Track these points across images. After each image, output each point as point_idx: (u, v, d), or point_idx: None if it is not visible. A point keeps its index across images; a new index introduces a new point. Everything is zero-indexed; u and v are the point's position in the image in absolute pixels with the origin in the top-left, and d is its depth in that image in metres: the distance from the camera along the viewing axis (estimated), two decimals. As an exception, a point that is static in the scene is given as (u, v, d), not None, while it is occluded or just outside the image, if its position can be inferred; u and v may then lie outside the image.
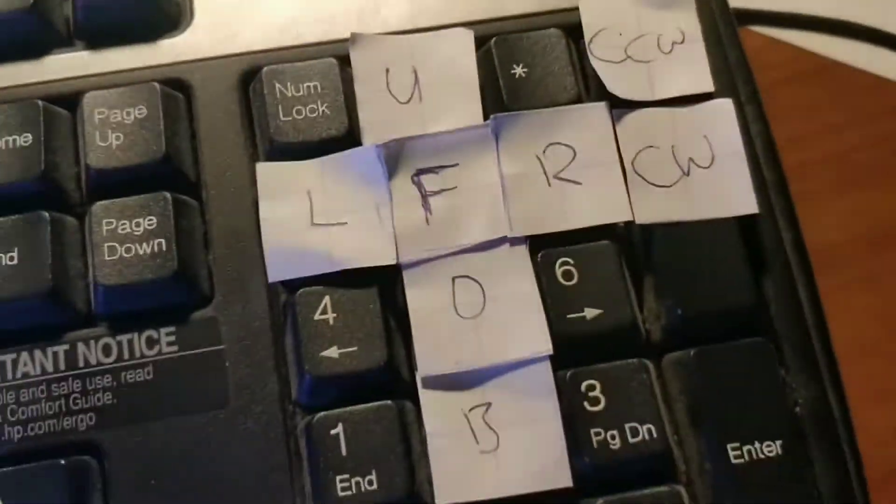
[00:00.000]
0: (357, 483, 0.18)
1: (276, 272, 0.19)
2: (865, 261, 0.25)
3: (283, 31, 0.21)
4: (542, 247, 0.19)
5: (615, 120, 0.20)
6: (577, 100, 0.21)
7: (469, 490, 0.18)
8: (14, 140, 0.20)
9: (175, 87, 0.21)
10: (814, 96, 0.30)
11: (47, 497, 0.18)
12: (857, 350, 0.23)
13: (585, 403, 0.18)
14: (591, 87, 0.21)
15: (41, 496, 0.18)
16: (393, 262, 0.19)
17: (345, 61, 0.21)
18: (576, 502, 0.18)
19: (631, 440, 0.18)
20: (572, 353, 0.19)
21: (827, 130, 0.28)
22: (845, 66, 0.30)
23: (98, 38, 0.21)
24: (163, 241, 0.19)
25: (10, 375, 0.19)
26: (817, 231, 0.22)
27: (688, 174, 0.20)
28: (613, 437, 0.18)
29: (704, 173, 0.20)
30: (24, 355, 0.19)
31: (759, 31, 0.32)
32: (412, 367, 0.19)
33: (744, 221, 0.20)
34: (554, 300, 0.19)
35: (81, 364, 0.19)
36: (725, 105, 0.21)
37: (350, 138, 0.20)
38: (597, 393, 0.19)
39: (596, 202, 0.20)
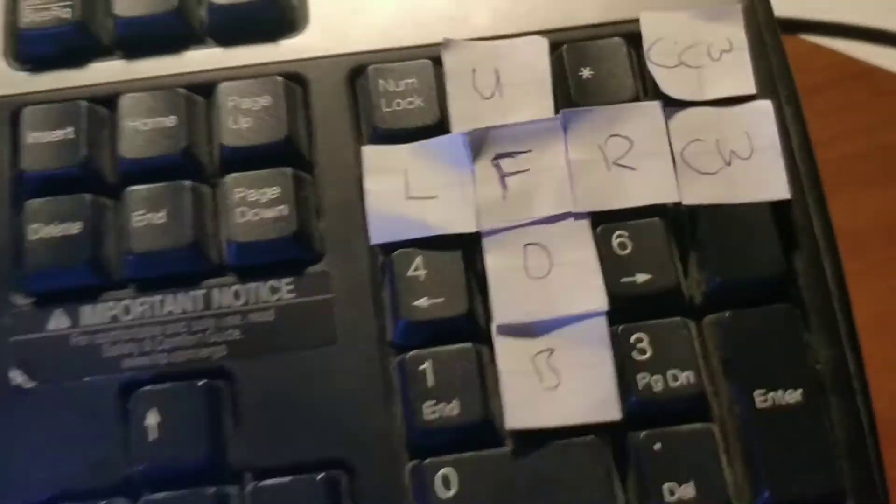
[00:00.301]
0: (441, 408, 0.22)
1: (377, 236, 0.23)
2: (889, 248, 0.28)
3: (385, 35, 0.25)
4: (601, 221, 0.23)
5: (667, 116, 0.24)
6: (635, 99, 0.24)
7: (533, 418, 0.21)
8: (162, 121, 0.24)
9: (294, 81, 0.25)
10: (853, 98, 0.33)
11: (190, 410, 0.22)
12: (876, 325, 0.25)
13: (634, 353, 0.22)
14: (647, 88, 0.25)
15: (185, 409, 0.22)
16: (474, 230, 0.23)
17: (437, 62, 0.25)
18: (623, 433, 0.22)
19: (672, 384, 0.22)
20: (624, 310, 0.22)
21: (864, 129, 0.31)
22: (884, 70, 0.33)
23: (228, 38, 0.25)
24: (285, 207, 0.23)
25: (158, 313, 0.23)
26: (847, 218, 0.25)
27: (729, 164, 0.24)
28: (657, 381, 0.22)
29: (744, 164, 0.24)
30: (170, 297, 0.23)
31: (806, 39, 0.35)
32: (488, 318, 0.22)
33: (778, 206, 0.24)
34: (610, 266, 0.23)
35: (215, 306, 0.23)
36: (765, 105, 0.24)
37: (440, 127, 0.24)
38: (644, 345, 0.22)
39: (648, 185, 0.23)
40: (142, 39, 0.25)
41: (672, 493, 0.21)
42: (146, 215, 0.23)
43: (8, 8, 0.26)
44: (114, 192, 0.24)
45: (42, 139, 0.24)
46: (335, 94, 0.25)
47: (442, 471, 0.21)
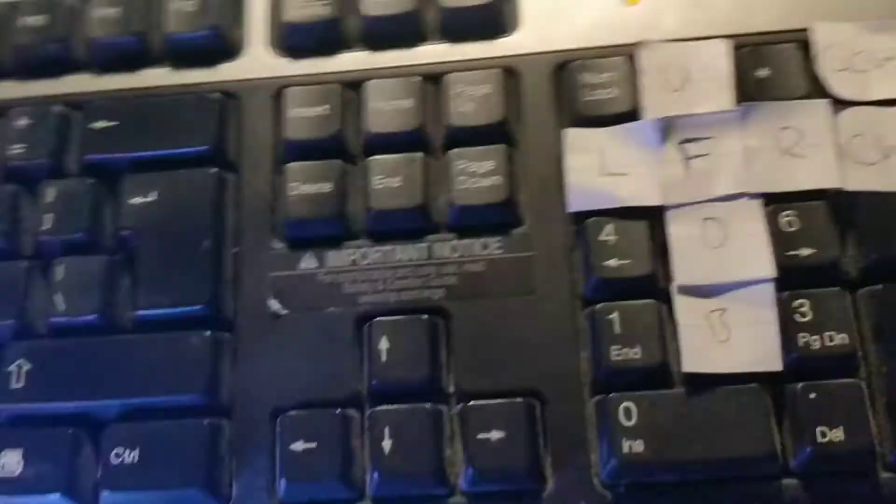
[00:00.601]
0: (625, 352, 0.26)
1: (575, 205, 0.27)
2: None
3: (586, 36, 0.29)
4: (772, 202, 0.27)
5: (835, 113, 0.27)
6: (806, 97, 0.28)
7: (706, 364, 0.25)
8: (400, 104, 0.29)
9: (508, 74, 0.29)
10: None
11: (414, 340, 0.27)
12: None
13: (796, 316, 0.25)
14: (817, 88, 0.28)
15: (410, 338, 0.27)
16: (660, 204, 0.27)
17: (631, 59, 0.29)
18: (782, 383, 0.25)
19: (828, 344, 0.25)
20: (789, 279, 0.26)
21: None
22: None
23: (454, 35, 0.30)
24: (498, 178, 0.28)
25: (389, 260, 0.28)
26: None
27: (887, 157, 0.27)
28: (815, 341, 0.25)
29: (902, 158, 0.27)
30: (399, 247, 0.28)
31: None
32: (667, 279, 0.26)
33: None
34: (778, 240, 0.26)
35: (436, 256, 0.28)
36: (924, 108, 0.27)
37: (632, 115, 0.28)
38: (805, 309, 0.25)
39: (815, 172, 0.26)
40: (383, 35, 0.30)
41: (824, 435, 0.24)
42: (384, 180, 0.28)
43: (273, 4, 0.31)
44: (357, 160, 0.29)
45: (302, 114, 0.29)
46: (542, 85, 0.29)
47: (625, 403, 0.25)
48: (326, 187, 0.28)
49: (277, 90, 0.30)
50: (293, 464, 0.26)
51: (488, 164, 0.28)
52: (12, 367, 0.27)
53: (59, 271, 0.28)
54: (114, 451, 0.26)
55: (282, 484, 0.26)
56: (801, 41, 0.28)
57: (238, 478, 0.26)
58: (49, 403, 0.27)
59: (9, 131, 0.30)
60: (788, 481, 0.25)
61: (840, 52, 0.28)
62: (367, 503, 0.26)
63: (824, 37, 0.28)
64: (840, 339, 0.25)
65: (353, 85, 0.30)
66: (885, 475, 0.25)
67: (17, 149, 0.30)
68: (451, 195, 0.28)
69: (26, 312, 0.28)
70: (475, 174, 0.28)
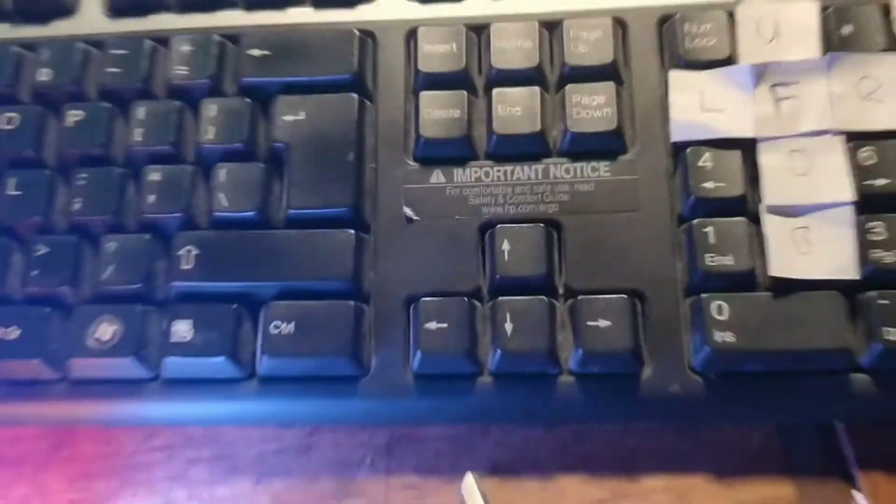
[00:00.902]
0: (719, 259, 0.29)
1: (677, 136, 0.31)
2: None
3: (688, -7, 0.33)
4: (852, 139, 0.30)
5: (909, 66, 0.31)
6: (884, 51, 0.31)
7: (791, 271, 0.29)
8: (523, 44, 0.33)
9: (617, 23, 0.33)
10: None
11: (531, 244, 0.30)
12: None
13: (871, 235, 0.29)
14: (894, 44, 0.32)
15: (528, 242, 0.30)
16: (752, 136, 0.30)
17: (728, 14, 0.32)
18: (857, 291, 0.29)
19: (899, 259, 0.29)
20: (866, 205, 0.29)
21: None
22: None
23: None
24: (608, 109, 0.32)
25: (509, 178, 0.32)
26: None
27: None
28: (888, 256, 0.29)
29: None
30: (518, 168, 0.32)
31: None
32: (756, 201, 0.30)
33: None
34: (856, 171, 0.30)
35: (551, 176, 0.32)
36: None
37: (729, 61, 0.32)
38: (880, 229, 0.29)
39: (891, 115, 0.30)
40: (506, -15, 0.34)
41: (890, 335, 0.28)
42: (507, 109, 0.32)
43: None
44: (480, 93, 0.33)
45: (433, 51, 0.33)
46: (647, 34, 0.33)
47: (717, 301, 0.29)
48: (455, 113, 0.32)
49: (410, 30, 0.34)
50: (427, 340, 0.30)
51: (599, 99, 0.32)
52: (182, 252, 0.31)
53: (221, 174, 0.32)
54: (272, 324, 0.30)
55: (417, 357, 0.30)
56: (882, 4, 0.32)
57: (377, 353, 0.31)
58: (214, 283, 0.31)
59: (172, 56, 0.34)
60: (858, 376, 0.29)
61: (915, 13, 0.32)
62: (487, 378, 0.30)
63: (901, 0, 0.32)
64: (910, 255, 0.29)
65: (478, 28, 0.34)
66: (943, 376, 0.29)
67: (180, 70, 0.34)
68: (566, 123, 0.32)
69: (192, 207, 0.32)
70: (588, 106, 0.32)
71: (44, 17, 0.36)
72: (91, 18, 0.36)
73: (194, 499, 0.31)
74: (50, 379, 0.31)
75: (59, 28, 0.36)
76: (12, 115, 0.34)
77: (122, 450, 0.32)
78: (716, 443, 0.31)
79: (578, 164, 0.32)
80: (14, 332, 0.31)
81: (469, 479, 0.31)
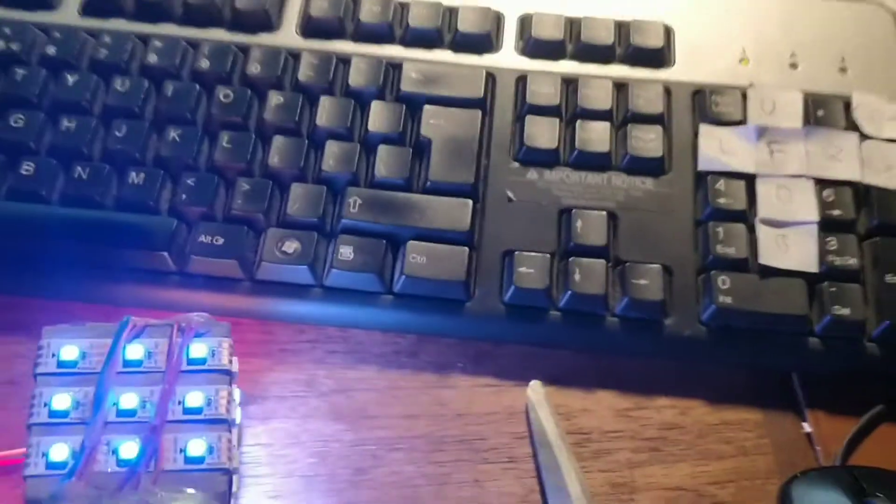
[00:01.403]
0: (725, 249, 0.42)
1: (702, 166, 0.45)
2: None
3: (714, 76, 0.48)
4: (819, 183, 0.44)
5: (861, 141, 0.45)
6: (846, 129, 0.46)
7: (773, 261, 0.42)
8: (599, 94, 0.47)
9: (665, 90, 0.47)
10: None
11: (598, 224, 0.43)
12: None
13: (827, 245, 0.43)
14: (852, 126, 0.46)
15: (595, 224, 0.43)
16: (753, 172, 0.44)
17: (743, 92, 0.47)
18: (816, 280, 0.42)
19: (844, 263, 0.42)
20: (826, 224, 0.43)
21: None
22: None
23: (634, 62, 0.48)
24: (656, 143, 0.45)
25: (584, 181, 0.45)
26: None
27: (890, 169, 0.44)
28: (837, 260, 0.42)
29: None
30: (590, 174, 0.45)
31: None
32: (754, 215, 0.43)
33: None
34: (821, 203, 0.43)
35: (612, 184, 0.45)
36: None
37: (741, 122, 0.46)
38: (834, 243, 0.42)
39: (847, 170, 0.44)
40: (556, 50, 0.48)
41: (838, 311, 0.41)
42: (585, 134, 0.46)
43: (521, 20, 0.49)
44: (568, 123, 0.47)
45: (537, 90, 0.47)
46: (686, 98, 0.47)
47: (721, 276, 0.42)
48: (549, 132, 0.46)
49: (519, 76, 0.48)
50: (518, 280, 0.42)
51: (651, 136, 0.46)
52: (350, 200, 0.44)
53: (381, 151, 0.45)
54: (410, 255, 0.43)
55: (510, 291, 0.42)
56: (845, 100, 0.47)
57: (479, 286, 0.43)
58: (371, 223, 0.43)
59: (351, 70, 0.48)
60: (813, 339, 0.42)
61: (867, 109, 0.46)
62: (556, 313, 0.42)
63: (858, 99, 0.46)
64: (852, 262, 0.42)
65: (567, 80, 0.48)
66: (869, 345, 0.42)
67: (356, 80, 0.47)
68: (627, 148, 0.45)
69: (358, 171, 0.45)
70: (643, 139, 0.46)
71: (251, 30, 0.49)
72: (289, 37, 0.49)
73: (331, 378, 0.43)
74: (239, 278, 0.43)
75: (265, 39, 0.49)
76: (228, 92, 0.46)
77: (277, 339, 0.44)
78: (710, 378, 0.43)
79: (632, 178, 0.45)
80: (219, 240, 0.43)
81: (535, 384, 0.42)
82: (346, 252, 0.43)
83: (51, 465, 0.32)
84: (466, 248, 0.43)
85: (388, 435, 0.42)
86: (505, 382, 0.43)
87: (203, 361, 0.34)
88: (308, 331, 0.44)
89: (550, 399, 0.42)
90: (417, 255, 0.43)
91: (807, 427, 0.42)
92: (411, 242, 0.43)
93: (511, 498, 0.40)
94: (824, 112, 0.47)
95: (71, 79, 0.46)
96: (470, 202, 0.44)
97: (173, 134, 0.45)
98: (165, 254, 0.42)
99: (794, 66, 0.49)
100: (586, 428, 0.42)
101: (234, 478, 0.34)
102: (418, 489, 0.40)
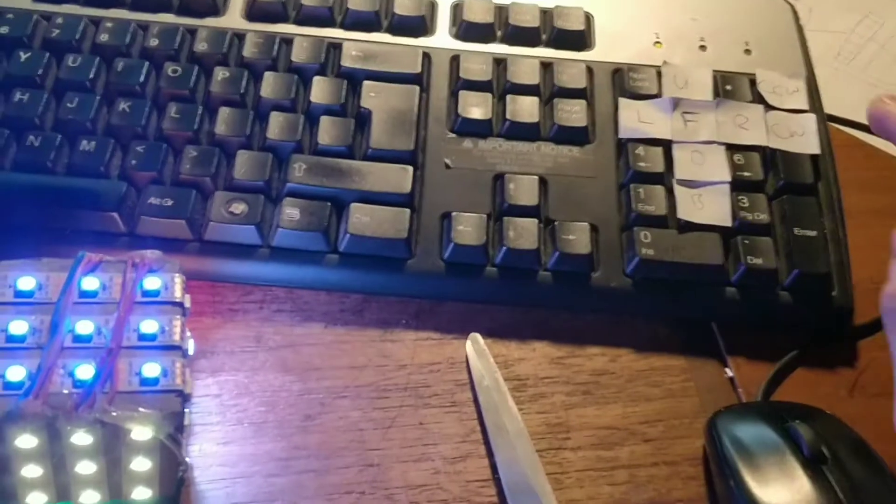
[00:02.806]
0: (645, 207, 0.46)
1: (623, 134, 0.49)
2: None
3: (632, 56, 0.51)
4: (730, 148, 0.48)
5: (766, 111, 0.49)
6: (751, 101, 0.50)
7: (690, 216, 0.45)
8: (527, 71, 0.50)
9: (588, 68, 0.51)
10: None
11: (530, 188, 0.46)
12: None
13: (739, 203, 0.46)
14: (757, 98, 0.50)
15: (527, 187, 0.46)
16: (669, 138, 0.48)
17: (658, 70, 0.51)
18: (730, 234, 0.45)
19: (755, 218, 0.46)
20: (737, 184, 0.47)
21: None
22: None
23: (558, 45, 0.52)
24: (581, 115, 0.48)
25: (515, 150, 0.48)
26: None
27: (792, 136, 0.48)
28: (748, 216, 0.46)
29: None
30: (521, 144, 0.48)
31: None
32: (671, 177, 0.47)
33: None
34: (731, 165, 0.47)
35: (541, 152, 0.48)
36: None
37: (657, 95, 0.50)
38: (745, 200, 0.46)
39: (754, 136, 0.48)
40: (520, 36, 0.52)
41: (752, 261, 0.45)
42: (515, 107, 0.49)
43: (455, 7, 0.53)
44: (499, 96, 0.50)
45: (470, 67, 0.50)
46: (606, 76, 0.51)
47: (643, 231, 0.45)
48: (482, 104, 0.49)
49: (453, 56, 0.51)
50: (456, 237, 0.45)
51: (576, 108, 0.49)
52: (295, 165, 0.46)
53: (324, 121, 0.48)
54: (354, 215, 0.45)
55: (449, 248, 0.45)
56: (750, 77, 0.51)
57: (419, 245, 0.45)
58: (314, 187, 0.45)
59: (294, 49, 0.50)
60: (730, 289, 0.45)
61: (770, 84, 0.50)
62: (492, 269, 0.45)
63: (762, 76, 0.51)
64: (762, 217, 0.46)
65: (497, 60, 0.51)
66: (782, 293, 0.45)
67: (298, 57, 0.50)
68: (554, 119, 0.49)
69: (302, 140, 0.47)
70: (569, 111, 0.49)
71: (198, 15, 0.51)
72: (235, 21, 0.51)
73: (279, 334, 0.44)
74: (187, 238, 0.45)
75: (211, 22, 0.51)
76: (177, 68, 0.49)
77: (225, 300, 0.45)
78: (637, 328, 0.46)
79: (559, 146, 0.49)
80: (168, 202, 0.45)
81: (474, 335, 0.45)
82: (291, 213, 0.45)
83: (7, 386, 0.32)
84: (408, 210, 0.46)
85: (334, 384, 0.43)
86: (446, 336, 0.45)
87: (157, 293, 0.36)
88: (255, 292, 0.46)
89: (490, 349, 0.45)
90: (361, 216, 0.45)
91: (729, 372, 0.45)
92: (355, 204, 0.46)
93: (454, 438, 0.42)
94: (731, 87, 0.51)
95: (24, 55, 0.48)
96: (410, 168, 0.47)
97: (123, 105, 0.47)
98: (115, 215, 0.44)
99: (703, 48, 0.53)
100: (523, 375, 0.44)
101: (187, 412, 0.36)
102: (365, 432, 0.42)
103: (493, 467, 0.41)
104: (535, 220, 0.46)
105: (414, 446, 0.42)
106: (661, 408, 0.44)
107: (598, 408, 0.44)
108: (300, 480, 0.40)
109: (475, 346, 0.45)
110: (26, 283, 0.35)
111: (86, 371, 0.33)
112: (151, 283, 0.36)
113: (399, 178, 0.47)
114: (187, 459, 0.37)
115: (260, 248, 0.45)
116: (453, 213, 0.46)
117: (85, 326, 0.34)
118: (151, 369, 0.34)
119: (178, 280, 0.36)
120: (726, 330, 0.47)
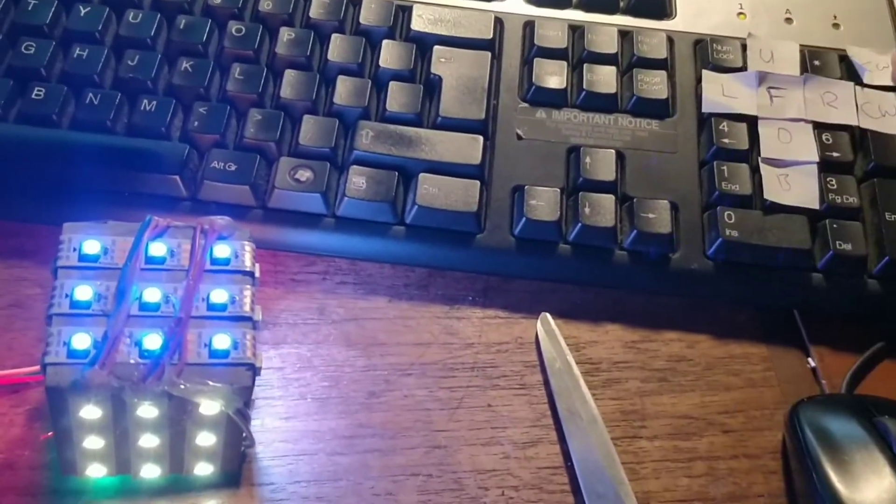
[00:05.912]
0: (730, 186, 0.43)
1: (706, 108, 0.46)
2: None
3: (715, 28, 0.49)
4: (817, 127, 0.46)
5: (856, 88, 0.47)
6: (840, 78, 0.47)
7: (777, 197, 0.43)
8: (606, 39, 0.48)
9: (668, 38, 0.48)
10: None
11: (607, 161, 0.44)
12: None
13: (828, 185, 0.44)
14: (848, 75, 0.47)
15: (603, 161, 0.44)
16: (755, 115, 0.46)
17: (743, 43, 0.48)
18: (817, 217, 0.43)
19: (844, 201, 0.43)
20: (825, 166, 0.45)
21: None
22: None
23: (638, 13, 0.50)
24: (662, 87, 0.46)
25: (591, 122, 0.46)
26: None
27: (884, 115, 0.46)
28: (837, 198, 0.43)
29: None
30: (597, 115, 0.46)
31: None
32: (757, 155, 0.45)
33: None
34: (819, 145, 0.45)
35: (619, 125, 0.46)
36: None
37: (742, 69, 0.47)
38: (834, 182, 0.44)
39: (844, 115, 0.46)
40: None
41: (840, 246, 0.42)
42: (592, 76, 0.47)
43: (525, -22, 0.50)
44: (576, 65, 0.47)
45: (545, 34, 0.48)
46: (688, 47, 0.48)
47: (727, 210, 0.43)
48: (557, 73, 0.47)
49: (526, 22, 0.49)
50: (529, 212, 0.43)
51: (656, 80, 0.47)
52: (362, 132, 0.44)
53: (392, 87, 0.45)
54: (423, 186, 0.43)
55: (520, 223, 0.43)
56: (839, 52, 0.49)
57: (490, 219, 0.43)
58: (382, 155, 0.44)
59: (362, 10, 0.48)
60: (816, 275, 0.43)
61: (861, 60, 0.48)
62: (566, 247, 0.43)
63: (853, 51, 0.48)
64: (852, 200, 0.44)
65: (574, 27, 0.49)
66: (870, 281, 0.43)
67: (368, 20, 0.48)
68: (633, 91, 0.46)
69: (369, 106, 0.45)
70: (649, 83, 0.47)
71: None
72: (298, -23, 0.49)
73: (342, 307, 0.43)
74: (251, 205, 0.43)
75: (274, -20, 0.49)
76: (241, 27, 0.47)
77: (288, 269, 0.44)
78: (716, 314, 0.44)
79: (638, 119, 0.46)
80: (231, 166, 0.43)
81: (545, 315, 0.43)
82: (358, 182, 0.43)
83: (72, 354, 0.31)
84: (478, 182, 0.44)
85: (399, 361, 0.42)
86: (514, 315, 0.43)
87: (227, 262, 0.34)
88: (318, 262, 0.44)
89: (560, 330, 0.43)
90: (430, 187, 0.43)
91: (811, 362, 0.43)
92: (424, 174, 0.44)
93: (524, 422, 0.40)
94: (820, 62, 0.48)
95: (83, 10, 0.46)
96: (481, 137, 0.45)
97: (185, 65, 0.45)
98: (177, 178, 0.42)
99: (789, 20, 0.50)
100: (595, 358, 0.43)
101: (255, 382, 0.34)
102: (431, 412, 0.40)
103: (565, 454, 0.39)
104: (612, 197, 0.44)
105: (482, 429, 0.40)
106: (741, 397, 0.42)
107: (675, 396, 0.42)
108: (365, 460, 0.39)
109: (545, 327, 0.43)
110: (91, 246, 0.33)
111: (153, 341, 0.31)
112: (221, 250, 0.34)
113: (469, 148, 0.44)
114: (253, 434, 0.36)
115: (325, 218, 0.43)
116: (526, 187, 0.44)
117: (152, 294, 0.32)
118: (222, 341, 0.32)
119: (248, 248, 0.35)
120: (809, 318, 0.44)
